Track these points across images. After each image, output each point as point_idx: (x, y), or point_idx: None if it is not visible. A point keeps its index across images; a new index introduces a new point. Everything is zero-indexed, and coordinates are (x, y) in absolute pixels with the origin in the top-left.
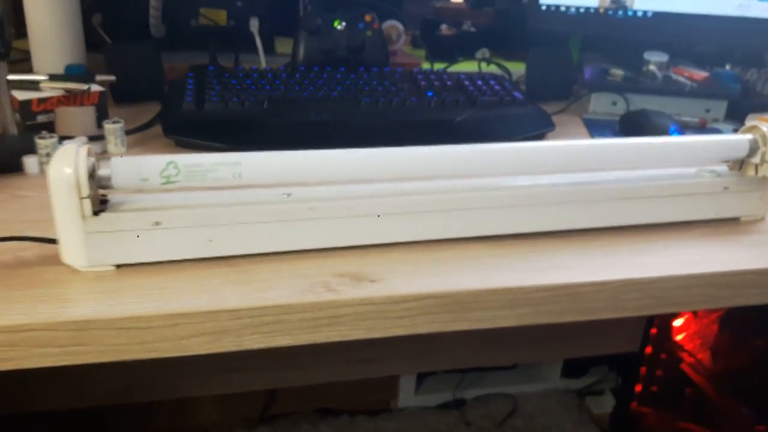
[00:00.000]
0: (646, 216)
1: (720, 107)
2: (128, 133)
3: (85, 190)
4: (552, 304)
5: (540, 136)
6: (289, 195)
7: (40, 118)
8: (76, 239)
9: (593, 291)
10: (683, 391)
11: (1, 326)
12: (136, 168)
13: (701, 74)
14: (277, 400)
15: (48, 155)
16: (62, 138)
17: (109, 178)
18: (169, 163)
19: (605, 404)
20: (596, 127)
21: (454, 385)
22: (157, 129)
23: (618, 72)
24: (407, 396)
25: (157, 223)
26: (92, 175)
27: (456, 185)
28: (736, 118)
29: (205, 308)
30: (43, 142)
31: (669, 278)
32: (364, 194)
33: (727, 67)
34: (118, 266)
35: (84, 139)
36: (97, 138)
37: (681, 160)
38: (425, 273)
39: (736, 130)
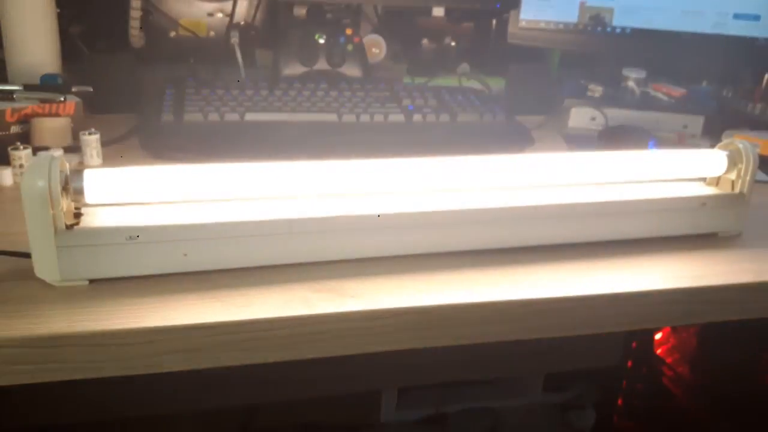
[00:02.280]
0: (625, 231)
1: (697, 123)
2: (105, 144)
3: (58, 204)
4: (533, 320)
5: (519, 151)
6: (266, 208)
7: (14, 129)
8: (49, 253)
9: (573, 307)
10: (664, 405)
11: None
12: (110, 181)
13: (678, 91)
14: (257, 416)
15: (22, 167)
16: (37, 149)
17: (82, 191)
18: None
19: (587, 418)
20: (575, 142)
21: (436, 399)
22: (135, 140)
23: (597, 87)
24: (389, 411)
25: (131, 238)
26: (66, 187)
27: (438, 200)
28: (712, 134)
29: (182, 324)
30: (17, 154)
31: (649, 293)
32: (345, 209)
33: (704, 84)
34: (92, 281)
35: (59, 150)
36: (73, 149)
37: (659, 174)
38: (407, 288)
39: (713, 146)
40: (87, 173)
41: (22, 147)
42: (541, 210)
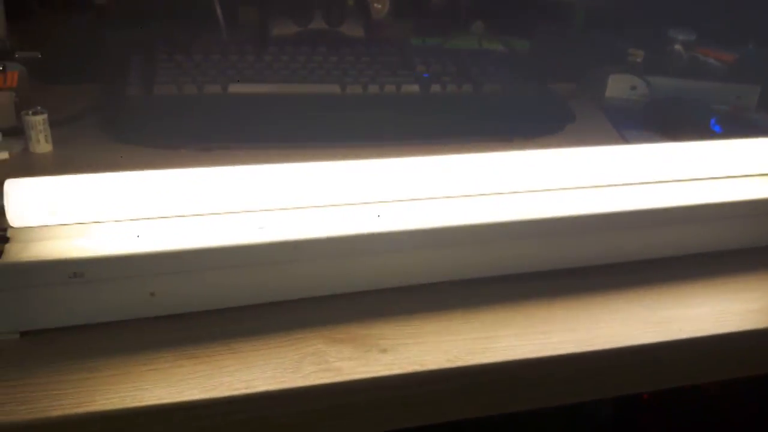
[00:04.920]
0: (689, 245)
1: (752, 94)
2: (55, 125)
3: None
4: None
5: (559, 130)
6: (261, 228)
7: None
8: None
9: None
10: None
11: None
12: (44, 195)
13: (728, 55)
14: None
15: None
16: None
17: (3, 212)
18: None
19: None
20: (619, 118)
21: None
22: (94, 119)
23: (638, 52)
24: None
25: (75, 275)
26: None
27: (482, 209)
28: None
29: (146, 405)
30: None
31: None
32: (364, 225)
33: (749, 46)
34: (24, 334)
35: None
36: (15, 131)
37: (730, 168)
38: (454, 334)
39: None
40: (9, 185)
41: None
42: (607, 219)
